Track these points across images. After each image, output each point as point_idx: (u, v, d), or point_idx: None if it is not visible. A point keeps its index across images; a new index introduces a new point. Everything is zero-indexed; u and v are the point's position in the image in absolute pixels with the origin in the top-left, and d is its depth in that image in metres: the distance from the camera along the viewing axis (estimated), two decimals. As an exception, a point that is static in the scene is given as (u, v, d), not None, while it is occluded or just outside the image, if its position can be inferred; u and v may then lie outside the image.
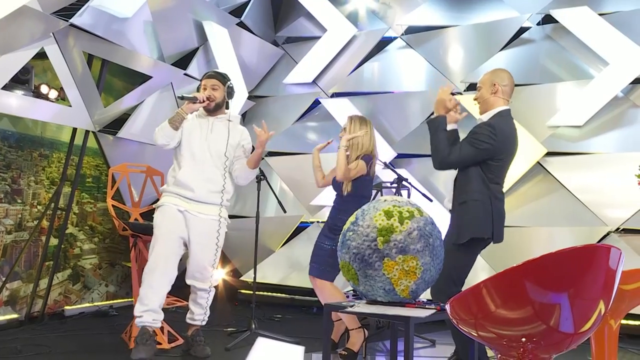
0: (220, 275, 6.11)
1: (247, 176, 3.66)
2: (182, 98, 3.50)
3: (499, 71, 3.12)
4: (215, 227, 3.56)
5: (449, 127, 3.10)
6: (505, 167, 3.07)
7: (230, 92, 3.64)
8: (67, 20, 4.28)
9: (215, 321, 4.76)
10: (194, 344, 3.63)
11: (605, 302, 1.63)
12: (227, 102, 3.69)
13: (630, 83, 4.87)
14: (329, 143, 3.91)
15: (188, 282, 3.61)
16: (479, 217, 2.92)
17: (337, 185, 3.73)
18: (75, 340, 3.99)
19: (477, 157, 2.93)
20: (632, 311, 2.67)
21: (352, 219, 2.45)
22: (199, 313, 3.65)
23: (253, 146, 3.68)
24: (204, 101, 3.50)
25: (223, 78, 3.62)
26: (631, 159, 4.50)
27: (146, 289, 3.39)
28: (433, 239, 2.34)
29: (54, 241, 4.67)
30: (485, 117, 3.03)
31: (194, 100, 3.47)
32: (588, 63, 5.15)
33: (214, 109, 3.60)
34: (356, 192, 3.66)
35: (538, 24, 5.46)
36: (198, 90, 3.62)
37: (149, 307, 3.39)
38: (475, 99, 3.15)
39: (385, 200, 2.42)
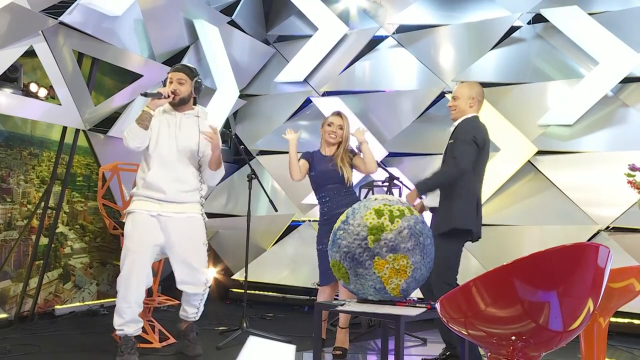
0: (211, 274, 6.11)
1: (213, 177, 3.57)
2: (146, 95, 3.33)
3: (476, 86, 3.45)
4: (194, 224, 3.47)
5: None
6: (487, 160, 3.41)
7: (197, 87, 3.49)
8: (57, 18, 4.25)
9: (206, 320, 4.75)
10: (185, 341, 3.61)
11: (594, 300, 1.64)
12: (195, 98, 3.55)
13: (620, 82, 4.90)
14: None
15: (180, 287, 3.51)
16: (465, 210, 3.22)
17: (334, 176, 3.75)
18: (65, 340, 3.97)
19: (476, 152, 3.23)
20: (622, 309, 2.69)
21: (342, 217, 2.45)
22: (192, 312, 3.63)
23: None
24: (168, 96, 3.34)
25: (191, 72, 3.47)
26: (621, 157, 4.53)
27: (122, 302, 3.33)
28: (423, 238, 2.35)
29: (44, 240, 4.65)
30: (458, 123, 3.38)
31: (158, 96, 3.31)
32: (578, 62, 5.18)
33: (179, 103, 3.44)
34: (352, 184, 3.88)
35: (529, 23, 5.48)
36: (164, 85, 3.48)
37: (128, 318, 3.35)
38: (449, 106, 3.44)
39: (375, 199, 2.43)
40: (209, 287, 3.62)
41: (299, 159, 3.83)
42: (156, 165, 3.38)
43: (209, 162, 3.49)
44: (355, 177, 4.41)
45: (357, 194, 4.93)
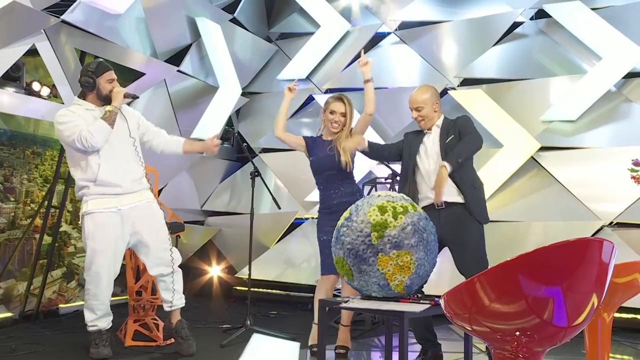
0: (215, 272, 6.12)
1: (174, 152, 3.73)
2: (131, 96, 3.51)
3: (432, 89, 3.47)
4: (153, 208, 3.56)
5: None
6: None
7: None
8: (59, 17, 4.25)
9: (210, 318, 4.77)
10: (178, 339, 3.60)
11: (598, 296, 1.63)
12: None
13: (623, 77, 4.88)
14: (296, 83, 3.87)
15: (152, 273, 3.56)
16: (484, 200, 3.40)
17: (332, 162, 3.57)
18: (69, 339, 3.98)
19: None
20: (625, 304, 2.68)
21: (346, 214, 2.45)
22: (169, 297, 3.59)
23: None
24: (138, 96, 3.58)
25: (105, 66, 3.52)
26: (624, 153, 4.51)
27: (93, 300, 3.40)
28: (427, 234, 2.34)
29: (47, 239, 4.66)
30: (440, 123, 3.41)
31: (135, 97, 3.55)
32: (581, 58, 5.16)
33: (107, 99, 3.46)
34: (352, 169, 3.64)
35: (531, 18, 5.47)
36: (93, 81, 3.40)
37: (100, 314, 3.43)
38: (415, 118, 3.43)
39: (379, 196, 2.42)
40: (179, 266, 3.63)
41: (300, 137, 3.78)
42: (105, 161, 3.37)
43: (186, 147, 3.72)
44: (358, 173, 4.39)
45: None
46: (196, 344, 3.62)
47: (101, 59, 3.65)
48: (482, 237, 3.30)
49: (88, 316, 3.42)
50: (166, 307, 3.63)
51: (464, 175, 3.27)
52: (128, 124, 3.50)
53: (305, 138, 3.76)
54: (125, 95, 3.44)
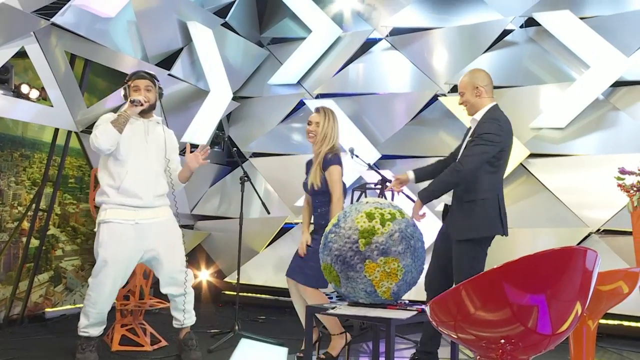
0: (204, 276, 6.10)
1: (178, 186, 3.66)
2: (134, 102, 3.37)
3: (476, 72, 3.24)
4: (171, 226, 3.54)
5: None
6: (509, 158, 3.20)
7: (161, 94, 3.58)
8: (49, 20, 4.24)
9: (198, 323, 4.73)
10: (184, 347, 3.58)
11: (582, 303, 1.65)
12: (156, 105, 3.59)
13: (611, 86, 4.93)
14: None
15: (163, 291, 3.54)
16: (491, 216, 3.05)
17: (306, 185, 3.61)
18: (56, 343, 3.95)
19: (491, 153, 3.03)
20: (611, 311, 2.70)
21: (334, 220, 2.45)
22: (180, 317, 3.60)
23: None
24: (145, 103, 3.39)
25: (154, 78, 3.53)
26: (612, 161, 4.56)
27: (91, 307, 3.35)
28: (414, 241, 2.35)
29: (34, 242, 4.62)
30: (479, 116, 3.15)
31: (139, 103, 3.36)
32: (570, 66, 5.21)
33: (148, 110, 3.48)
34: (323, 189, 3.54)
35: (521, 26, 5.51)
36: (126, 90, 3.47)
37: (93, 321, 3.38)
38: (461, 104, 3.26)
39: (367, 202, 2.43)
40: (199, 287, 3.62)
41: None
42: (131, 171, 3.38)
43: (181, 176, 3.57)
44: (348, 179, 4.39)
45: (350, 196, 4.94)
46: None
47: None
48: (470, 260, 3.02)
49: (82, 321, 3.38)
50: (176, 325, 3.62)
51: (468, 184, 3.08)
52: (166, 144, 3.51)
53: (307, 165, 3.76)
54: (132, 102, 3.38)
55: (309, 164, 3.73)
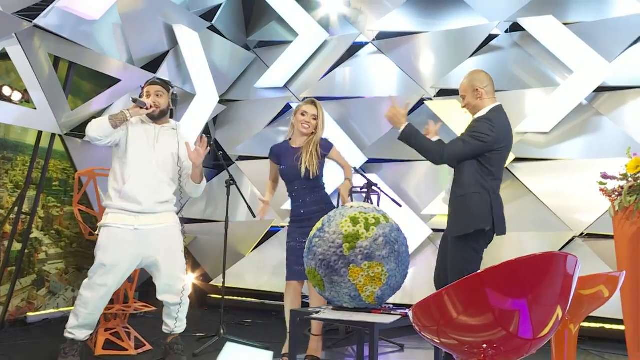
0: (190, 280, 6.07)
1: (196, 190, 3.60)
2: (135, 101, 3.37)
3: (475, 74, 3.22)
4: (171, 233, 3.50)
5: (433, 139, 3.19)
6: (504, 160, 3.20)
7: (174, 100, 3.56)
8: (31, 21, 4.20)
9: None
10: (170, 351, 3.56)
11: (563, 308, 1.66)
12: (172, 111, 3.59)
13: (594, 91, 4.98)
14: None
15: (159, 298, 3.51)
16: (479, 209, 3.02)
17: (297, 173, 3.58)
18: (37, 348, 3.90)
19: (477, 150, 3.02)
20: (593, 314, 2.73)
21: (318, 225, 2.45)
22: (172, 324, 3.57)
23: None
24: (150, 108, 3.40)
25: (167, 85, 3.54)
26: (595, 165, 4.59)
27: (82, 307, 3.32)
28: (399, 246, 2.36)
29: (17, 246, 4.57)
30: (477, 117, 3.15)
31: (143, 104, 3.37)
32: (554, 71, 5.26)
33: (159, 116, 3.50)
34: (320, 177, 3.68)
35: (506, 31, 5.56)
36: (141, 96, 3.51)
37: (82, 322, 3.34)
38: (463, 107, 3.27)
39: (351, 207, 2.44)
40: (188, 296, 3.61)
41: (269, 161, 3.76)
42: (133, 176, 3.37)
43: (191, 176, 3.51)
44: (334, 182, 4.40)
45: (337, 199, 4.94)
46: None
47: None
48: (459, 252, 3.05)
49: (71, 321, 3.35)
50: (165, 330, 3.59)
51: (456, 181, 3.13)
52: (179, 149, 3.48)
53: (271, 154, 3.75)
54: (134, 101, 3.38)
55: (283, 151, 3.70)
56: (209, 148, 3.48)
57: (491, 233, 3.10)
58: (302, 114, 3.64)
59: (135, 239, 3.36)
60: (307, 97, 6.06)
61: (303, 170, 3.54)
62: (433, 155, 3.10)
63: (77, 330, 3.35)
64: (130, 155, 3.39)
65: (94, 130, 3.32)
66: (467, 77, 3.22)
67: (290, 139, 3.74)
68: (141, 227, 3.38)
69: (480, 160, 3.06)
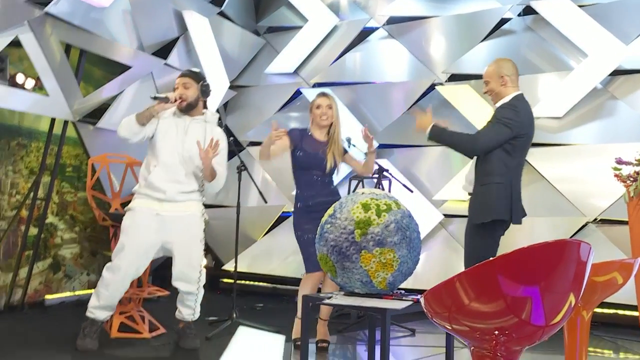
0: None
1: (210, 186, 3.62)
2: (155, 98, 3.45)
3: (502, 62, 3.27)
4: (192, 222, 3.54)
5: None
6: (527, 148, 3.26)
7: (204, 91, 3.58)
8: (43, 9, 4.21)
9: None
10: (183, 335, 3.63)
11: (576, 295, 1.66)
12: (205, 102, 3.64)
13: (609, 75, 4.92)
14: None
15: (174, 284, 3.56)
16: (499, 199, 3.10)
17: (321, 164, 3.65)
18: (55, 330, 3.97)
19: (507, 136, 3.08)
20: (607, 300, 2.72)
21: (330, 211, 2.46)
22: (187, 313, 3.63)
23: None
24: (175, 101, 3.45)
25: (196, 76, 3.57)
26: (609, 150, 4.56)
27: (103, 288, 3.42)
28: (410, 232, 2.36)
29: (33, 231, 4.63)
30: (500, 104, 3.21)
31: (165, 100, 3.42)
32: (568, 54, 5.19)
33: (187, 108, 3.54)
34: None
35: (519, 15, 5.48)
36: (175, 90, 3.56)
37: (103, 303, 3.43)
38: (485, 92, 3.31)
39: (363, 193, 2.44)
40: (203, 286, 3.65)
41: (286, 132, 3.73)
42: (160, 166, 3.47)
43: (203, 173, 3.53)
44: (346, 168, 4.40)
45: (348, 185, 4.95)
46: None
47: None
48: (476, 241, 3.15)
49: (92, 301, 3.45)
50: (178, 316, 3.66)
51: (481, 169, 3.18)
52: (205, 142, 3.49)
53: (290, 133, 3.74)
54: (153, 98, 3.46)
55: (304, 137, 3.72)
56: (218, 152, 3.48)
57: (508, 222, 3.17)
58: (317, 107, 3.71)
59: (156, 224, 3.45)
60: (319, 84, 6.13)
61: (329, 165, 3.64)
62: (466, 147, 3.19)
63: (97, 310, 3.44)
64: (158, 146, 3.48)
65: (123, 130, 3.43)
66: (494, 63, 3.27)
67: (310, 133, 3.77)
68: (164, 214, 3.46)
69: (506, 148, 3.11)
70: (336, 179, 3.93)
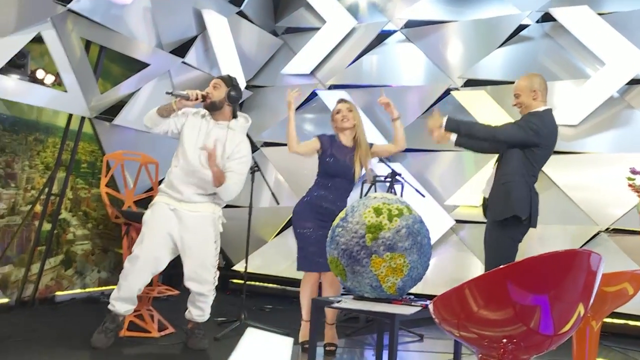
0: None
1: (219, 192, 3.53)
2: (171, 94, 3.47)
3: (534, 76, 3.35)
4: (207, 223, 3.56)
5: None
6: (546, 159, 3.33)
7: (231, 97, 3.55)
8: (65, 5, 4.27)
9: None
10: (191, 335, 3.65)
11: (585, 305, 1.65)
12: (234, 109, 3.63)
13: (626, 84, 4.88)
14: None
15: (186, 284, 3.58)
16: (520, 195, 3.17)
17: (348, 172, 3.68)
18: (65, 326, 4.00)
19: (529, 139, 3.17)
20: (617, 310, 2.70)
21: (342, 214, 2.47)
22: (197, 314, 3.65)
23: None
24: (196, 99, 3.46)
25: (229, 81, 3.60)
26: (624, 159, 4.52)
27: (122, 279, 3.47)
28: (421, 237, 2.36)
29: (47, 226, 4.68)
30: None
31: (186, 97, 3.45)
32: (585, 62, 5.16)
33: (211, 107, 3.56)
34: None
35: (537, 21, 5.46)
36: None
37: (122, 295, 3.47)
38: (515, 105, 3.38)
39: (375, 198, 2.44)
40: (215, 287, 3.67)
41: (314, 138, 3.76)
42: (179, 167, 3.53)
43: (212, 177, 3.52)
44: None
45: (360, 189, 4.95)
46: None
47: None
48: (498, 234, 3.19)
49: (113, 293, 3.51)
50: (187, 316, 3.68)
51: (501, 171, 3.26)
52: (225, 148, 3.52)
53: (320, 138, 3.77)
54: (171, 94, 3.50)
55: (334, 143, 3.74)
56: (214, 158, 3.44)
57: (527, 224, 3.21)
58: (337, 112, 3.77)
59: (173, 218, 3.51)
60: (335, 85, 6.13)
61: (357, 174, 3.67)
62: (486, 132, 3.26)
63: (118, 302, 3.47)
64: (180, 147, 3.55)
65: (146, 119, 3.54)
66: (526, 78, 3.35)
67: (338, 139, 3.78)
68: (181, 210, 3.51)
69: (527, 154, 3.19)
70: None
